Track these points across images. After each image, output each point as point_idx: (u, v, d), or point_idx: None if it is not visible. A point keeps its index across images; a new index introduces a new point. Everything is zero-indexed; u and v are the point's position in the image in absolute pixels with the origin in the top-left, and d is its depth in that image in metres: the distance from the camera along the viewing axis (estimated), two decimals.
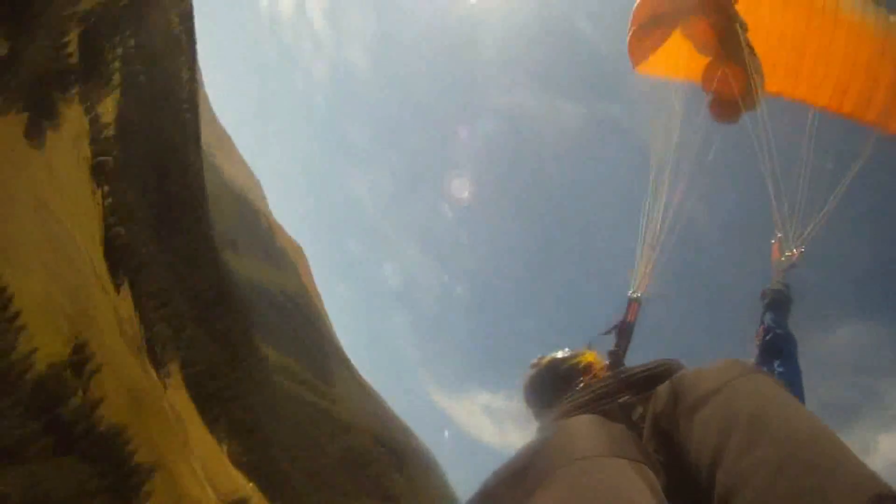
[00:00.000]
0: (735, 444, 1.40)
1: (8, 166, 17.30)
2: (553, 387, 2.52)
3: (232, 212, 63.39)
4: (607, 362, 2.77)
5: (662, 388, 1.74)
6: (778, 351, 2.96)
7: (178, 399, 22.81)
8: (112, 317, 19.11)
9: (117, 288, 21.61)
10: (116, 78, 28.93)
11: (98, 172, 26.60)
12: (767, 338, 3.05)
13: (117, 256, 22.81)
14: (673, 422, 1.62)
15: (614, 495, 1.30)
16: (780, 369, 2.83)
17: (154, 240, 28.95)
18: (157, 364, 22.22)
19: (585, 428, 1.58)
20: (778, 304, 3.28)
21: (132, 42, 30.30)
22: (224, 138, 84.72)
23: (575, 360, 2.66)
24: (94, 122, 27.09)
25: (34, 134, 20.78)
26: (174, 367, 24.61)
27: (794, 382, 2.72)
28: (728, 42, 4.53)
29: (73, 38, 23.58)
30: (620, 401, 1.88)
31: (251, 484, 28.42)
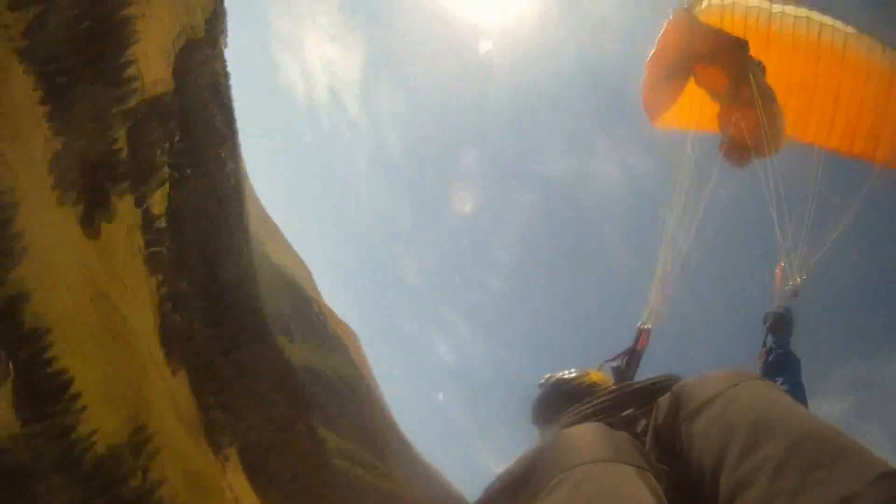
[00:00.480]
0: (737, 446, 1.38)
1: (65, 257, 17.72)
2: (558, 404, 2.59)
3: (284, 299, 64.49)
4: (613, 381, 2.85)
5: (663, 399, 1.76)
6: (781, 370, 2.98)
7: (236, 481, 22.58)
8: (169, 401, 19.04)
9: (174, 373, 21.73)
10: (164, 171, 30.11)
11: (152, 262, 27.42)
12: (770, 358, 3.08)
13: (173, 342, 23.00)
14: (674, 430, 1.63)
15: (617, 500, 1.29)
16: (784, 387, 2.85)
17: (209, 326, 29.30)
18: (216, 447, 22.14)
19: (589, 434, 1.58)
20: (780, 326, 3.31)
21: (177, 137, 31.62)
22: (272, 227, 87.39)
23: (580, 380, 2.78)
24: (146, 213, 28.08)
25: (89, 225, 21.49)
26: (232, 451, 24.48)
27: (797, 399, 2.63)
28: (740, 87, 4.69)
29: (121, 134, 24.66)
30: (624, 414, 1.92)
31: None
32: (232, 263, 39.18)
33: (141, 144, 27.74)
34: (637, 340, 3.69)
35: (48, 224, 16.52)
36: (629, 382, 2.40)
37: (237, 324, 34.00)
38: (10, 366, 11.98)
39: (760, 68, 4.89)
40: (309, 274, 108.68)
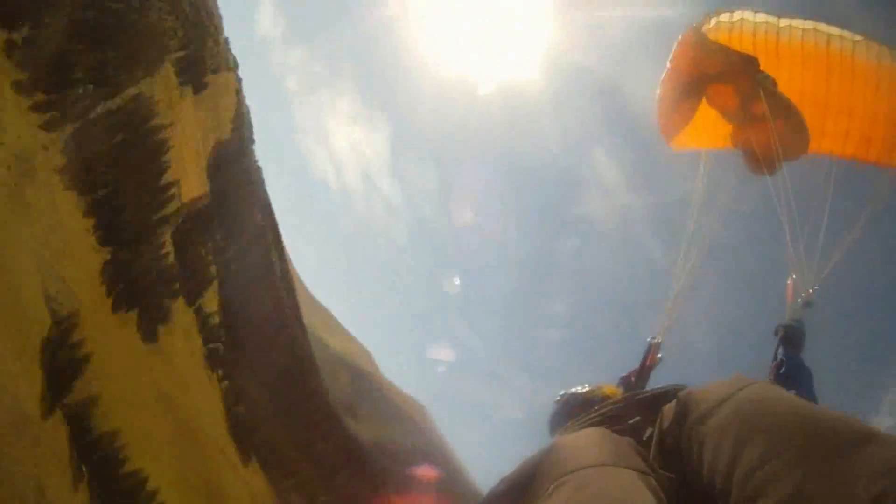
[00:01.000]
0: (755, 446, 1.43)
1: (127, 361, 18.13)
2: (570, 415, 2.77)
3: (345, 381, 64.68)
4: (623, 393, 2.91)
5: (668, 407, 1.87)
6: (793, 382, 3.30)
7: None
8: (244, 490, 19.10)
9: (245, 463, 21.85)
10: (212, 270, 31.04)
11: (211, 359, 27.90)
12: (782, 371, 3.37)
13: (241, 434, 23.16)
14: (681, 435, 1.72)
15: (616, 501, 1.37)
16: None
17: (274, 414, 29.48)
18: None
19: (590, 439, 1.71)
20: (791, 338, 3.56)
21: (219, 236, 32.67)
22: (324, 313, 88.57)
23: (592, 393, 3.03)
24: (199, 313, 28.80)
25: (147, 332, 22.00)
26: None
27: None
28: (751, 104, 4.79)
29: (166, 239, 25.61)
30: (630, 422, 2.03)
31: None
32: (288, 351, 39.85)
33: (186, 247, 28.73)
34: (647, 354, 3.77)
35: (107, 332, 16.99)
36: (636, 392, 2.49)
37: (302, 409, 34.25)
38: (84, 468, 12.16)
39: (770, 81, 4.98)
40: (367, 353, 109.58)
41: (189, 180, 29.82)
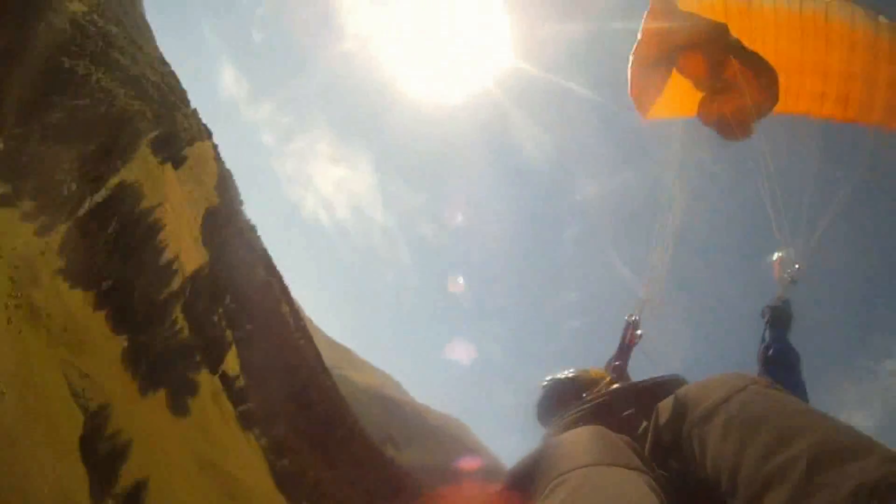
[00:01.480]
0: (760, 445, 1.34)
1: (165, 439, 18.42)
2: (559, 401, 2.50)
3: (378, 413, 64.81)
4: (611, 377, 2.70)
5: (665, 404, 1.69)
6: (781, 366, 2.84)
7: None
8: None
9: None
10: (228, 335, 31.42)
11: (244, 420, 28.25)
12: (770, 353, 2.93)
13: (289, 484, 23.36)
14: (680, 434, 1.57)
15: (615, 501, 1.28)
16: (780, 382, 2.73)
17: (318, 458, 29.56)
18: None
19: (589, 437, 1.55)
20: (779, 320, 3.14)
21: (227, 300, 33.08)
22: (345, 352, 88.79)
23: (578, 378, 2.69)
24: (224, 378, 29.16)
25: (179, 407, 22.38)
26: None
27: (798, 395, 2.62)
28: (721, 70, 4.77)
29: (178, 314, 25.97)
30: (624, 414, 1.88)
31: None
32: (318, 397, 39.91)
33: (198, 318, 29.08)
34: (626, 332, 3.56)
35: (140, 415, 17.30)
36: (633, 382, 2.38)
37: (343, 449, 34.23)
38: None
39: (739, 45, 4.93)
40: (394, 382, 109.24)
41: (188, 253, 30.27)
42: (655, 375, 2.08)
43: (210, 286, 30.85)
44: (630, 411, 1.87)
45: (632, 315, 3.37)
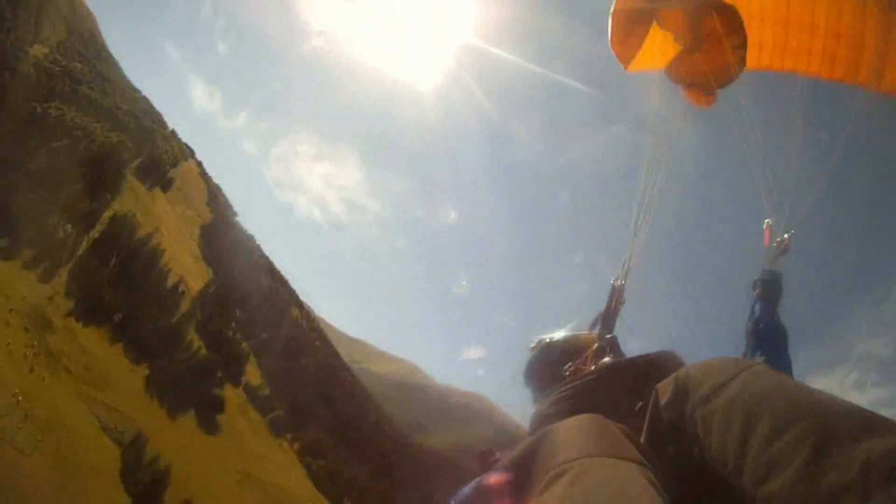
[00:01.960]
0: (762, 427, 1.32)
1: (202, 459, 18.75)
2: (547, 366, 2.58)
3: (402, 400, 65.34)
4: (600, 345, 2.72)
5: (664, 385, 1.65)
6: (770, 341, 2.91)
7: None
8: None
9: None
10: (245, 347, 31.71)
11: (275, 427, 28.63)
12: (760, 328, 2.99)
13: (327, 484, 23.67)
14: (682, 416, 1.54)
15: (615, 494, 1.23)
16: (772, 360, 2.79)
17: (350, 454, 29.96)
18: None
19: (585, 427, 1.51)
20: (768, 294, 3.20)
21: (238, 312, 33.33)
22: (362, 346, 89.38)
23: (570, 343, 2.71)
24: (248, 390, 29.49)
25: (209, 425, 22.69)
26: None
27: (785, 371, 2.57)
28: (700, 23, 4.63)
29: (191, 335, 26.24)
30: (619, 392, 1.88)
31: None
32: (341, 394, 40.32)
33: (212, 335, 29.37)
34: (612, 297, 3.21)
35: (174, 440, 17.59)
36: (628, 359, 2.37)
37: (373, 441, 34.67)
38: None
39: (722, 9, 4.77)
40: (414, 367, 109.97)
41: (191, 273, 30.39)
42: (649, 352, 2.10)
43: (219, 302, 31.04)
44: (624, 391, 1.87)
45: (617, 279, 3.31)
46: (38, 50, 25.43)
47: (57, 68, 26.33)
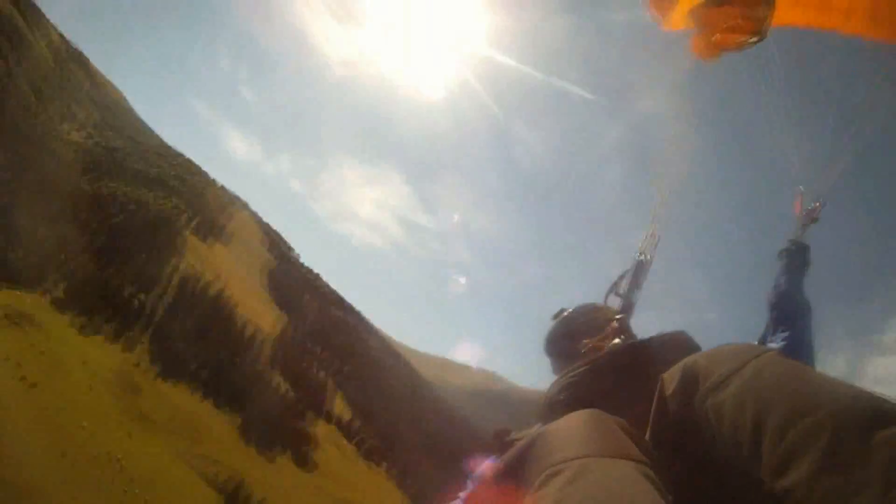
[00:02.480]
0: (777, 415, 1.27)
1: (299, 497, 19.24)
2: (567, 343, 2.57)
3: (489, 409, 65.41)
4: (618, 322, 2.63)
5: (671, 374, 1.60)
6: (792, 318, 2.76)
7: None
8: None
9: None
10: (328, 382, 32.32)
11: (370, 457, 29.03)
12: (782, 301, 2.86)
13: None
14: (690, 406, 1.49)
15: (612, 495, 1.21)
16: (791, 336, 2.70)
17: (443, 472, 30.13)
18: None
19: (584, 425, 1.47)
20: (794, 265, 3.07)
21: (318, 349, 34.16)
22: (436, 360, 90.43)
23: (592, 316, 2.67)
24: (340, 424, 30.01)
25: (304, 461, 23.23)
26: None
27: (804, 350, 2.64)
28: None
29: (277, 380, 26.95)
30: (625, 379, 1.86)
31: None
32: (427, 412, 40.67)
33: (296, 375, 30.14)
34: (637, 276, 3.03)
35: (273, 481, 18.09)
36: (639, 342, 2.27)
37: (460, 457, 34.82)
38: None
39: None
40: (491, 374, 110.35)
41: (265, 319, 31.28)
42: (662, 333, 2.05)
43: (297, 342, 31.90)
44: (631, 379, 1.84)
45: (643, 254, 3.15)
46: (75, 136, 26.85)
47: (98, 148, 27.71)
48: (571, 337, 2.54)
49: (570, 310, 2.73)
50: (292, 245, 53.34)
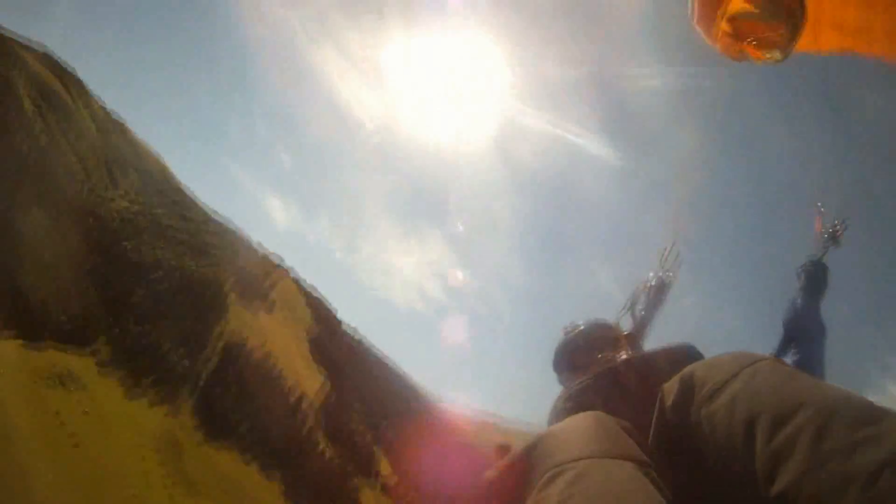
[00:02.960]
0: (765, 421, 1.31)
1: None
2: (574, 354, 2.60)
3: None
4: (625, 340, 2.71)
5: (670, 385, 1.65)
6: (805, 337, 2.75)
7: None
8: None
9: None
10: (370, 444, 31.92)
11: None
12: (795, 322, 2.82)
13: None
14: (688, 415, 1.53)
15: (617, 496, 1.24)
16: (802, 356, 2.73)
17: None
18: None
19: (588, 426, 1.53)
20: (811, 286, 2.99)
21: (356, 405, 33.87)
22: (486, 423, 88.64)
23: (599, 334, 2.68)
24: (385, 487, 29.46)
25: None
26: None
27: (815, 372, 2.60)
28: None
29: (323, 443, 26.73)
30: (627, 393, 1.88)
31: None
32: (471, 479, 39.70)
33: (341, 439, 29.90)
34: (659, 294, 2.94)
35: None
36: (646, 354, 2.32)
37: None
38: None
39: None
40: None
41: (310, 384, 31.26)
42: (669, 345, 2.05)
43: (343, 406, 31.66)
44: (636, 389, 1.84)
45: (667, 271, 3.03)
46: (119, 203, 27.82)
47: (140, 218, 28.61)
48: (583, 351, 2.54)
49: (582, 325, 2.71)
50: (335, 309, 53.69)
